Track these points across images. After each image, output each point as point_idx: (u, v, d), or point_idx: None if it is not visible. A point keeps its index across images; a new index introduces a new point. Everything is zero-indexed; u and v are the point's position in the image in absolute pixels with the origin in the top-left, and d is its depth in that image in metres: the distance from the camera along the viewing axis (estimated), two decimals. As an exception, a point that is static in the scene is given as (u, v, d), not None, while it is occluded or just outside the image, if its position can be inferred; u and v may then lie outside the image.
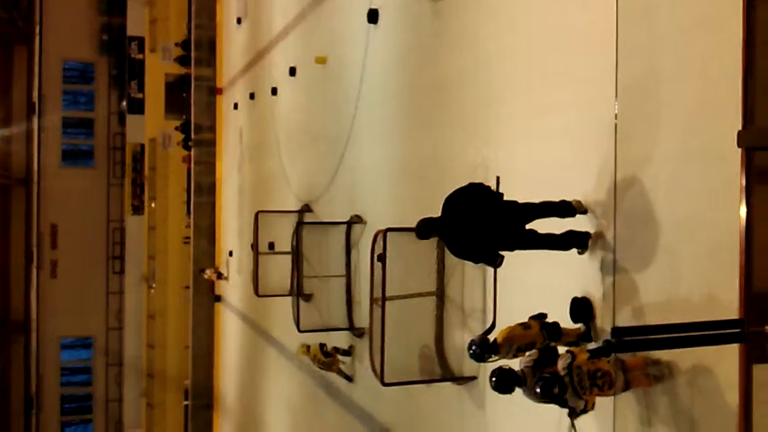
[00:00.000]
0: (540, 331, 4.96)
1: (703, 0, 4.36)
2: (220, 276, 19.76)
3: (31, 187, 24.92)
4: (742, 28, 2.79)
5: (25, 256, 24.82)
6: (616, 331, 4.12)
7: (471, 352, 5.10)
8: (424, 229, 5.17)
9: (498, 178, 5.48)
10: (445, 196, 5.18)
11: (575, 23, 5.75)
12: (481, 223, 4.97)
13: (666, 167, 4.72)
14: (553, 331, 5.01)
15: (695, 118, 4.50)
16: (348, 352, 10.45)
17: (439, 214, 5.23)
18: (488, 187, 5.22)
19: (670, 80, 4.71)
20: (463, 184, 7.26)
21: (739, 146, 2.65)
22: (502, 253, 5.14)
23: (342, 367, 10.50)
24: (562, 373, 4.30)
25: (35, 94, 24.69)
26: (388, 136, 9.53)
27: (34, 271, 24.64)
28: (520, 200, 5.39)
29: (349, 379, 10.45)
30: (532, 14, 6.31)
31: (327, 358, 10.43)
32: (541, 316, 5.18)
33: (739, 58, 3.29)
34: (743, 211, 2.85)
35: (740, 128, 2.67)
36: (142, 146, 24.11)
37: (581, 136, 5.61)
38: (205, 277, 19.99)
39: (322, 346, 10.57)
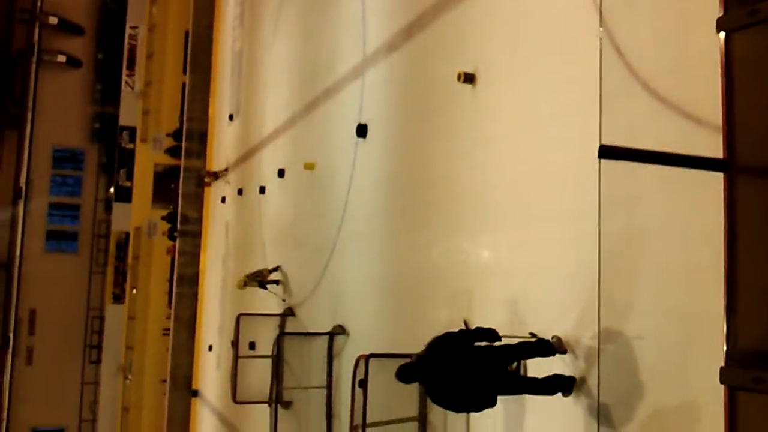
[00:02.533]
0: None
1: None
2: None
3: (12, 271, 24.65)
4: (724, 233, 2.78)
5: (1, 341, 24.34)
6: None
7: None
8: (404, 375, 5.10)
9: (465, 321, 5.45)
10: (425, 342, 5.13)
11: (559, 162, 5.86)
12: (460, 373, 4.91)
13: (647, 320, 4.73)
14: None
15: (676, 273, 4.55)
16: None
17: (421, 348, 5.20)
18: (464, 333, 5.19)
19: (652, 235, 4.77)
20: (445, 305, 7.27)
21: (721, 383, 2.63)
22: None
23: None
24: None
25: (23, 178, 24.72)
26: (372, 249, 9.55)
27: (9, 357, 24.13)
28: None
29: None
30: (517, 152, 6.43)
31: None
32: None
33: (721, 221, 3.27)
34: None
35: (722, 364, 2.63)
36: (127, 234, 24.02)
37: (566, 275, 5.63)
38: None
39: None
